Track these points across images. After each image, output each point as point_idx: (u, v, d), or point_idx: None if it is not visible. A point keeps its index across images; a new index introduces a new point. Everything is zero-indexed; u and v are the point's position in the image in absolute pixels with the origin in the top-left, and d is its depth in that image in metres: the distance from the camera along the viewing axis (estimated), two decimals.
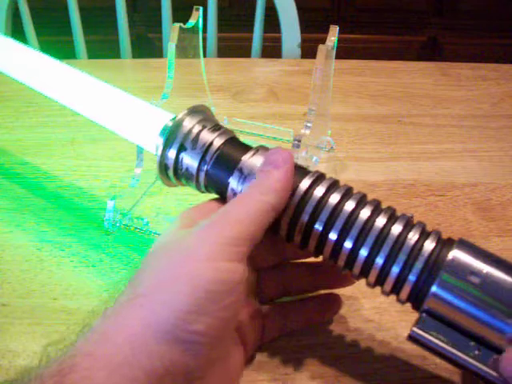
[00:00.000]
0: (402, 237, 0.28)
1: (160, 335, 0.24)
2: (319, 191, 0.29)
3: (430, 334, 0.27)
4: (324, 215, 0.29)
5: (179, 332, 0.24)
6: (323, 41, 0.42)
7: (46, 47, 0.91)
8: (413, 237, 0.28)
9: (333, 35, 0.43)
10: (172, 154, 0.31)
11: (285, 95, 0.66)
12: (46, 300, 0.37)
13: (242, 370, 0.31)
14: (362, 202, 0.29)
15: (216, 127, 0.32)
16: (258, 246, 0.28)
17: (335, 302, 0.34)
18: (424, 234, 0.28)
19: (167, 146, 0.31)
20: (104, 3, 0.98)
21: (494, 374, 0.25)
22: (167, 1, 0.90)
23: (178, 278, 0.25)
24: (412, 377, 0.32)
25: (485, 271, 0.26)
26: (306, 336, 0.34)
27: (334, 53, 0.45)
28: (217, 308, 0.25)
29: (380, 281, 0.29)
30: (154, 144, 0.33)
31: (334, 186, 0.30)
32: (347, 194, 0.30)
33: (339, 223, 0.29)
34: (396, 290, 0.28)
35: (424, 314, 0.27)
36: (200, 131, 0.31)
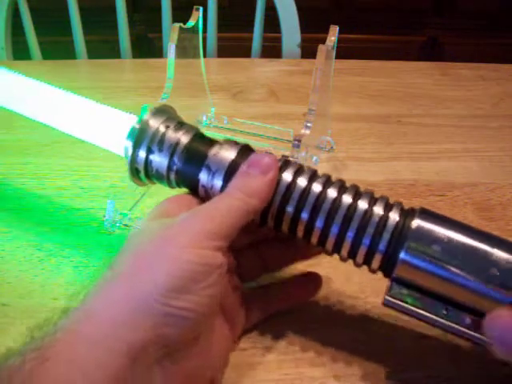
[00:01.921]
0: (369, 211, 0.30)
1: (143, 309, 0.25)
2: (287, 176, 0.31)
3: (401, 300, 0.29)
4: (294, 198, 0.30)
5: (162, 307, 0.25)
6: (323, 41, 0.42)
7: (46, 47, 0.91)
8: (378, 210, 0.30)
9: (333, 35, 0.43)
10: (141, 157, 0.33)
11: (285, 95, 0.66)
12: (46, 300, 0.37)
13: (228, 350, 0.32)
14: (328, 183, 0.31)
15: (179, 125, 0.33)
16: None
17: (315, 282, 0.35)
18: (388, 207, 0.30)
19: (135, 150, 0.33)
20: (104, 3, 0.98)
21: (459, 327, 0.28)
22: (167, 1, 0.90)
23: (161, 259, 0.26)
24: (411, 376, 0.32)
25: (446, 237, 0.28)
26: (306, 336, 0.34)
27: (334, 53, 0.45)
28: (199, 287, 0.26)
29: (352, 254, 0.31)
30: (122, 146, 0.34)
31: (300, 170, 0.32)
32: (314, 176, 0.31)
33: (309, 204, 0.30)
34: (368, 261, 0.30)
35: (394, 282, 0.29)
36: (165, 132, 0.32)
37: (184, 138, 0.32)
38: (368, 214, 0.30)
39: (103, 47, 0.97)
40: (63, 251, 0.40)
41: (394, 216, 0.29)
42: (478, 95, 0.67)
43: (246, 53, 0.92)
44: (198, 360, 0.28)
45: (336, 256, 0.32)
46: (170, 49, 0.45)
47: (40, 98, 0.40)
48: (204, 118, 0.56)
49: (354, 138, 0.57)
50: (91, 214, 0.44)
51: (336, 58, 0.46)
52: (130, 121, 0.34)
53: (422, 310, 0.29)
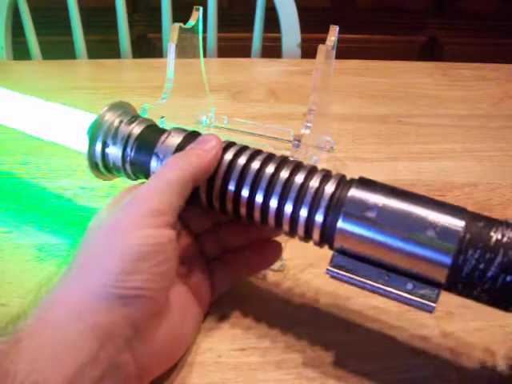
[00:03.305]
0: (306, 184, 0.31)
1: (99, 295, 0.26)
2: (229, 156, 0.32)
3: (343, 270, 0.29)
4: (234, 176, 0.32)
5: (116, 290, 0.26)
6: (323, 41, 0.42)
7: (46, 47, 0.91)
8: (314, 183, 0.31)
9: (333, 35, 0.43)
10: (98, 151, 0.35)
11: (285, 95, 0.66)
12: None
13: (198, 326, 0.34)
14: (268, 160, 0.32)
15: (133, 119, 0.35)
16: (192, 214, 0.33)
17: (275, 249, 0.36)
18: (326, 179, 0.31)
19: (92, 144, 0.35)
20: (104, 3, 0.98)
21: (402, 293, 0.28)
22: (167, 1, 0.90)
23: (109, 247, 0.28)
24: (410, 377, 0.32)
25: (381, 203, 0.29)
26: (305, 336, 0.34)
27: (333, 53, 0.45)
28: (148, 265, 0.27)
29: (293, 228, 0.31)
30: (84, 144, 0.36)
31: (242, 150, 0.33)
32: (254, 155, 0.32)
33: (248, 181, 0.31)
34: (309, 233, 0.31)
35: (336, 253, 0.30)
36: (118, 126, 0.35)
37: (136, 130, 0.34)
38: (304, 187, 0.30)
39: (103, 47, 0.97)
40: (63, 251, 0.40)
41: (330, 187, 0.30)
42: (478, 95, 0.67)
43: (246, 53, 0.92)
44: (167, 337, 0.29)
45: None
46: (170, 49, 0.45)
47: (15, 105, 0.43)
48: (204, 118, 0.56)
49: (354, 137, 0.57)
50: (92, 214, 0.44)
51: (336, 57, 0.46)
52: (92, 118, 0.36)
53: (364, 278, 0.29)
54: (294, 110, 0.62)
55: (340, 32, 0.44)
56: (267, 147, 0.51)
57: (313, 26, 1.06)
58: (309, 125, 0.41)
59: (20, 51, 0.87)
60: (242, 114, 0.59)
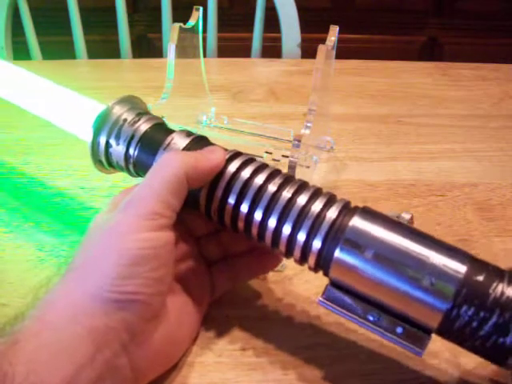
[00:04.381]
0: (308, 206, 0.30)
1: (95, 298, 0.26)
2: (232, 167, 0.31)
3: (334, 303, 0.29)
4: (236, 189, 0.31)
5: (111, 294, 0.27)
6: (323, 41, 0.42)
7: (46, 47, 0.91)
8: (316, 206, 0.29)
9: (333, 35, 0.43)
10: (101, 149, 0.35)
11: (285, 95, 0.66)
12: None
13: (195, 328, 0.33)
14: (272, 176, 0.31)
15: (137, 117, 0.34)
16: (194, 217, 0.33)
17: (275, 256, 0.36)
18: (329, 203, 0.30)
19: (95, 139, 0.35)
20: (104, 3, 0.98)
21: (392, 336, 0.27)
22: (167, 1, 0.90)
23: (106, 250, 0.28)
24: (409, 378, 0.32)
25: (382, 237, 0.27)
26: (305, 336, 0.34)
27: (333, 53, 0.45)
28: (144, 270, 0.27)
29: (290, 249, 0.30)
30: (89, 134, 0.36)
31: (247, 163, 0.32)
32: (259, 169, 0.32)
33: (249, 196, 0.30)
34: (305, 257, 0.30)
35: (329, 285, 0.29)
36: (122, 125, 0.34)
37: (141, 129, 0.34)
38: (305, 209, 0.29)
39: (103, 47, 0.97)
40: (64, 251, 0.40)
41: (332, 213, 0.29)
42: (478, 95, 0.67)
43: (246, 53, 0.92)
44: (164, 340, 0.29)
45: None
46: (170, 49, 0.45)
47: (23, 84, 0.44)
48: (204, 118, 0.56)
49: (354, 137, 0.57)
50: (92, 214, 0.44)
51: (336, 57, 0.46)
52: (99, 109, 0.36)
53: (355, 315, 0.28)
54: (294, 109, 0.62)
55: (340, 32, 0.44)
56: (267, 147, 0.51)
57: (313, 26, 1.06)
58: (309, 125, 0.41)
59: (20, 51, 0.87)
60: (242, 114, 0.59)
